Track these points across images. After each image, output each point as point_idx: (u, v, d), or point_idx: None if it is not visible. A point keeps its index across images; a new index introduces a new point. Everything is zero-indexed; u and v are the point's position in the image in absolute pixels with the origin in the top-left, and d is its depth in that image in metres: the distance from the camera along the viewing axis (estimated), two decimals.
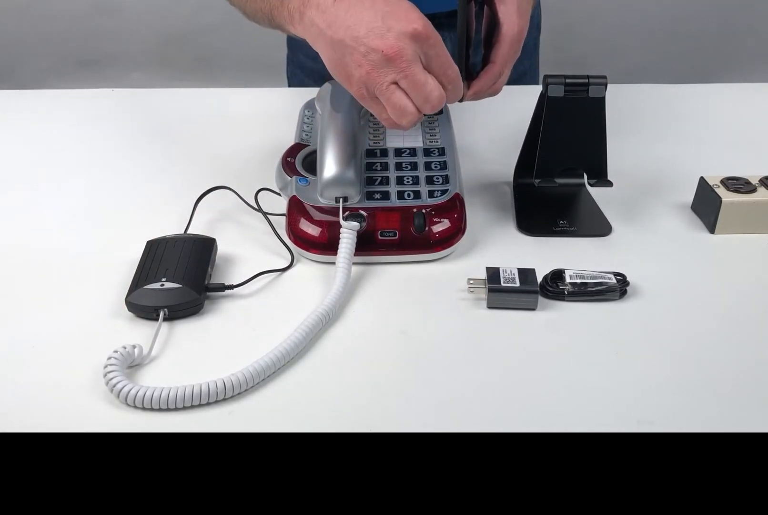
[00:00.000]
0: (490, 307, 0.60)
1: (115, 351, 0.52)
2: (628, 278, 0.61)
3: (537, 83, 1.08)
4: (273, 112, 0.92)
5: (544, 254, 0.66)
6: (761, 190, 0.68)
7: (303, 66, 1.09)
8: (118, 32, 2.17)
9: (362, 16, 0.57)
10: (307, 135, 0.76)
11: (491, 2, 0.66)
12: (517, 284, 0.59)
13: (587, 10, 2.05)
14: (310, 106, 0.80)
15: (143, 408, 0.50)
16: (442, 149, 0.73)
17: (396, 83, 0.57)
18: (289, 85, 1.13)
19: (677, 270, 0.64)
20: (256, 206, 0.69)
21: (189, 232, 0.67)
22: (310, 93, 0.81)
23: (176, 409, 0.50)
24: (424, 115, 0.60)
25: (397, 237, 0.65)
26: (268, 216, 0.68)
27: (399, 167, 0.70)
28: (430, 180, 0.69)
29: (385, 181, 0.68)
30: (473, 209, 0.72)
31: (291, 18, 0.62)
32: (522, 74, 1.08)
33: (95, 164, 0.83)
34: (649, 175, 0.79)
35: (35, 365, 0.54)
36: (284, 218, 0.67)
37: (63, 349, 0.56)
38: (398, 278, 0.64)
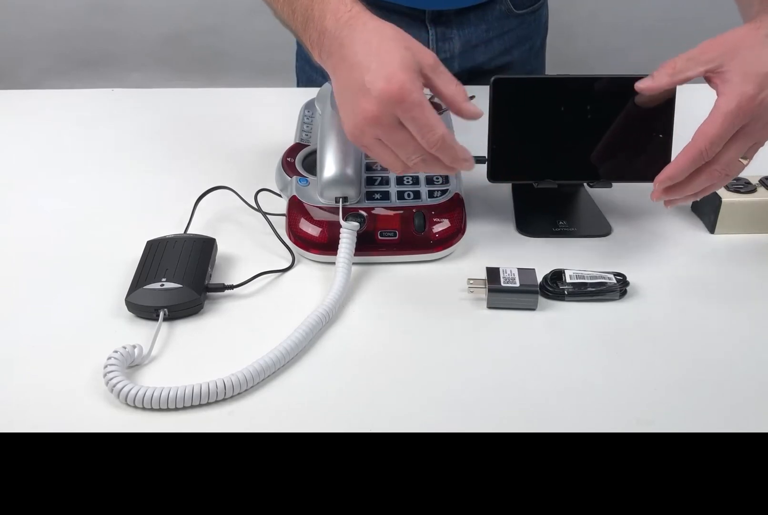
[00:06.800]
0: (490, 307, 0.60)
1: (115, 351, 0.52)
2: (628, 278, 0.61)
3: None
4: (273, 112, 0.92)
5: (544, 254, 0.66)
6: (761, 190, 0.68)
7: (310, 60, 1.09)
8: (118, 32, 2.17)
9: (352, 71, 0.56)
10: (307, 135, 0.76)
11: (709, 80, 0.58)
12: (517, 284, 0.59)
13: (587, 10, 2.05)
14: (310, 106, 0.80)
15: (143, 408, 0.50)
16: None
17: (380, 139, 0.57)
18: (297, 81, 1.13)
19: (677, 270, 0.64)
20: (256, 206, 0.69)
21: (189, 232, 0.67)
22: (310, 93, 0.81)
23: (176, 409, 0.50)
24: None
25: (397, 237, 0.65)
26: (268, 216, 0.68)
27: None
28: (429, 180, 0.69)
29: (385, 181, 0.68)
30: (473, 209, 0.72)
31: (312, 51, 0.62)
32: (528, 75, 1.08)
33: (95, 164, 0.83)
34: None
35: (35, 365, 0.54)
36: (284, 218, 0.67)
37: (63, 349, 0.56)
38: (398, 278, 0.64)
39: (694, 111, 0.58)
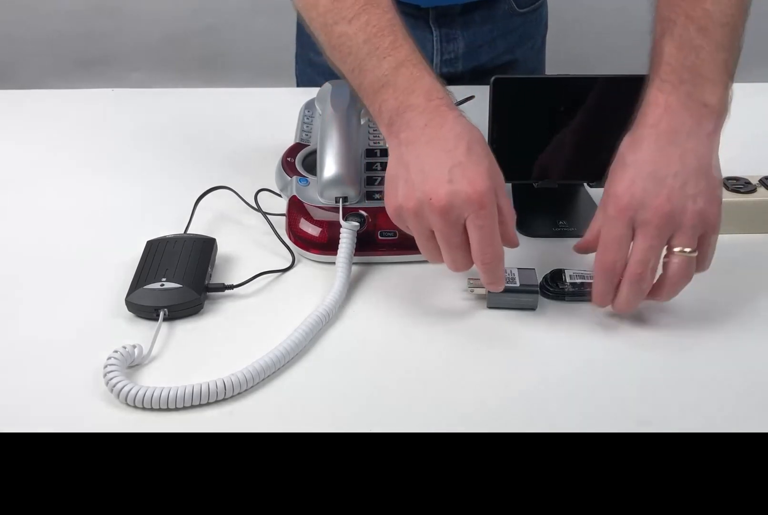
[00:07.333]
0: (490, 307, 0.60)
1: (115, 351, 0.52)
2: None
3: None
4: (273, 112, 0.92)
5: (544, 254, 0.66)
6: (761, 190, 0.68)
7: (313, 63, 1.08)
8: (118, 32, 2.17)
9: (437, 155, 0.54)
10: (307, 135, 0.76)
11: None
12: (517, 284, 0.59)
13: (587, 9, 2.05)
14: (310, 106, 0.80)
15: (143, 408, 0.50)
16: None
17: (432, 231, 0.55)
18: (298, 84, 1.13)
19: None
20: (256, 206, 0.69)
21: (189, 232, 0.67)
22: (310, 93, 0.81)
23: (176, 409, 0.50)
24: None
25: (397, 237, 0.64)
26: (268, 216, 0.68)
27: None
28: None
29: None
30: None
31: (379, 114, 0.58)
32: (529, 74, 1.08)
33: (95, 164, 0.83)
34: None
35: (35, 365, 0.54)
36: (284, 218, 0.67)
37: (63, 349, 0.56)
38: (398, 278, 0.64)
39: None
